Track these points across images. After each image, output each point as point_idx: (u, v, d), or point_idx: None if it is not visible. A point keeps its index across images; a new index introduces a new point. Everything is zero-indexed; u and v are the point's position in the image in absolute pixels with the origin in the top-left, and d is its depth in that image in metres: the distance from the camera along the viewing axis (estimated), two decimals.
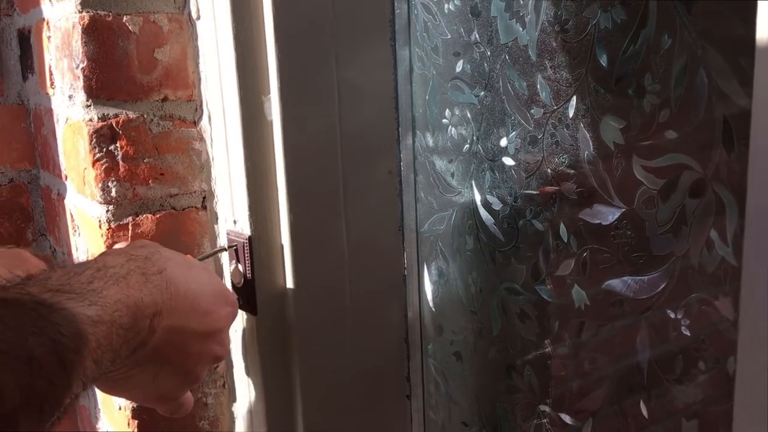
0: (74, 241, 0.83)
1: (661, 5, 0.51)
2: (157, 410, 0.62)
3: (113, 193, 0.71)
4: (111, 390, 0.60)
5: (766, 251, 0.44)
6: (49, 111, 0.83)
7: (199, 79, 0.74)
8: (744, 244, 0.45)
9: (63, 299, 0.43)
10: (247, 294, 0.73)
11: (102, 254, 0.56)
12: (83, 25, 0.67)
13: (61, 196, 0.85)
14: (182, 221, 0.75)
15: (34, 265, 0.57)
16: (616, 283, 0.58)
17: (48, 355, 0.39)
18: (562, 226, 0.62)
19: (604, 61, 0.55)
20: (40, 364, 0.39)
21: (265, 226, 0.72)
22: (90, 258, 0.56)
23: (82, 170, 0.72)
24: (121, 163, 0.71)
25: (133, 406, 0.74)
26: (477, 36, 0.67)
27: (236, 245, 0.73)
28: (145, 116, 0.72)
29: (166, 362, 0.56)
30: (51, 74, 0.79)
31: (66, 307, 0.43)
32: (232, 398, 0.80)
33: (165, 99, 0.73)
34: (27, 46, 0.89)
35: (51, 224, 0.95)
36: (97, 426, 0.89)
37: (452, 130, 0.72)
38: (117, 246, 0.61)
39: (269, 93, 0.69)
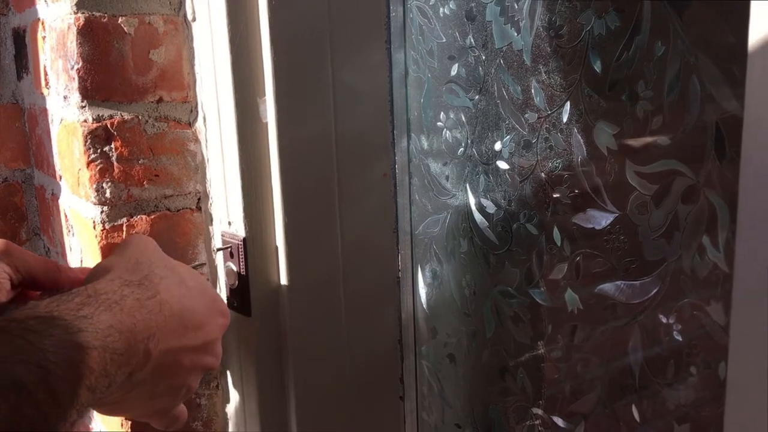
0: (68, 241, 0.83)
1: (655, 13, 0.51)
2: (152, 425, 0.62)
3: (108, 194, 0.71)
4: (108, 412, 0.59)
5: (757, 257, 0.44)
6: (44, 111, 0.83)
7: (195, 81, 0.74)
8: (736, 249, 0.45)
9: (51, 326, 0.43)
10: (241, 295, 0.73)
11: (93, 273, 0.56)
12: (78, 26, 0.67)
13: (56, 196, 0.85)
14: (177, 222, 0.75)
15: (17, 256, 0.57)
16: (608, 288, 0.58)
17: (37, 383, 0.39)
18: (555, 230, 0.62)
19: (597, 66, 0.55)
20: (29, 391, 0.38)
21: (260, 228, 0.72)
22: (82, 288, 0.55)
23: (77, 171, 0.72)
24: (115, 164, 0.71)
25: None
26: (472, 40, 0.67)
27: (231, 246, 0.73)
28: (140, 117, 0.72)
29: (162, 381, 0.56)
30: (46, 74, 0.78)
31: (54, 334, 0.42)
32: (226, 399, 0.80)
33: (160, 100, 0.73)
34: (22, 46, 0.89)
35: (45, 224, 0.95)
36: (90, 427, 0.89)
37: (447, 134, 0.72)
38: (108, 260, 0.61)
39: (264, 95, 0.69)
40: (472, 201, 0.71)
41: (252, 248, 0.72)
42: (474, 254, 0.72)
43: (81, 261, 0.79)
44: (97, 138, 0.70)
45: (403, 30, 0.75)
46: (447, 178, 0.74)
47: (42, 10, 0.77)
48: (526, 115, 0.63)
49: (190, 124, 0.75)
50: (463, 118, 0.70)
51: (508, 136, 0.65)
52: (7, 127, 0.93)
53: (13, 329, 0.41)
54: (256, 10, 0.67)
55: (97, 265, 0.58)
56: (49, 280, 0.59)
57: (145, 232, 0.73)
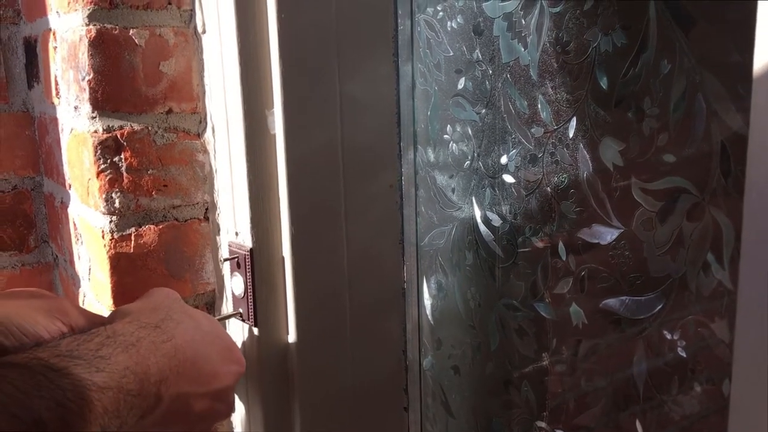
0: (77, 249, 0.84)
1: (661, 31, 0.51)
2: None
3: (117, 204, 0.71)
4: None
5: (761, 275, 0.44)
6: (54, 120, 0.83)
7: (204, 92, 0.75)
8: (740, 267, 0.45)
9: (71, 365, 0.45)
10: (247, 305, 0.73)
11: (112, 316, 0.57)
12: (90, 37, 0.68)
13: (65, 205, 0.86)
14: (184, 232, 0.76)
15: (74, 317, 0.58)
16: (613, 303, 0.58)
17: (54, 419, 0.41)
18: (560, 244, 0.62)
19: (604, 83, 0.56)
20: (46, 426, 0.40)
21: (267, 238, 0.72)
22: (100, 328, 0.56)
23: (87, 180, 0.73)
24: (125, 174, 0.71)
25: None
26: (479, 54, 0.68)
27: (237, 257, 0.73)
28: (149, 128, 0.72)
29: (172, 426, 0.56)
30: (56, 84, 0.79)
31: (73, 373, 0.44)
32: None
33: (170, 111, 0.73)
34: (33, 55, 0.90)
35: (53, 231, 0.95)
36: None
37: (453, 146, 0.73)
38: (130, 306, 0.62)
39: (273, 107, 0.70)
40: (477, 214, 0.71)
41: (259, 259, 0.72)
42: (479, 267, 0.72)
43: (89, 270, 0.79)
44: (107, 148, 0.70)
45: (411, 43, 0.76)
46: (453, 190, 0.74)
47: (53, 20, 0.78)
48: (533, 130, 0.63)
49: (199, 135, 0.76)
50: (470, 132, 0.70)
51: (514, 150, 0.66)
52: (17, 135, 0.94)
53: (35, 366, 0.43)
54: (265, 22, 0.68)
55: (118, 308, 0.60)
56: None
57: (153, 242, 0.73)
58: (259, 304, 0.73)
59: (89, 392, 0.44)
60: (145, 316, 0.57)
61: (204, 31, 0.73)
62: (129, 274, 0.73)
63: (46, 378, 0.42)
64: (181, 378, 0.55)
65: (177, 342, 0.56)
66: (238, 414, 0.80)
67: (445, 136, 0.74)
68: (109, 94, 0.70)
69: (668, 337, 0.55)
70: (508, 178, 0.67)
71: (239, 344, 0.76)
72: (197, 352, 0.58)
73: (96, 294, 0.78)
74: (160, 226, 0.74)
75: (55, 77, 0.79)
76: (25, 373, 0.42)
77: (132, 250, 0.73)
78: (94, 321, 0.59)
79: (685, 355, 0.54)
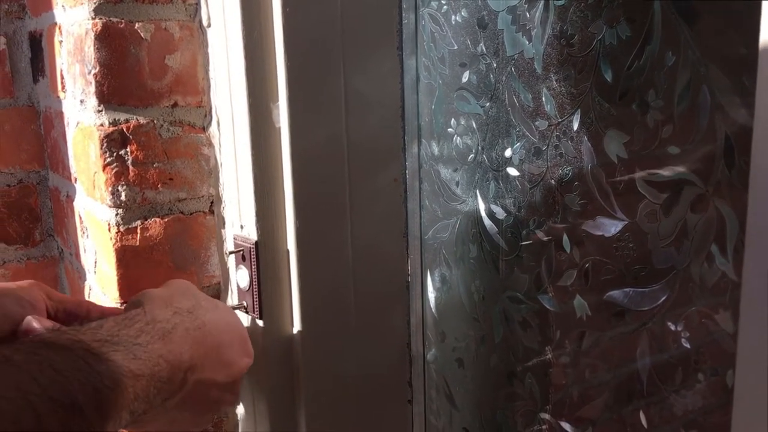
0: (82, 242, 0.84)
1: (665, 23, 0.51)
2: None
3: (123, 197, 0.72)
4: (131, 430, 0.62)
5: (765, 265, 0.45)
6: (60, 114, 0.84)
7: (209, 86, 0.75)
8: (744, 258, 0.46)
9: (110, 351, 0.47)
10: (252, 298, 0.74)
11: (140, 300, 0.58)
12: (96, 31, 0.68)
13: (70, 198, 0.86)
14: (190, 225, 0.76)
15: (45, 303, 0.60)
16: (617, 295, 0.59)
17: (89, 403, 0.43)
18: (565, 236, 0.63)
19: (608, 75, 0.56)
20: (82, 410, 0.42)
21: (272, 232, 0.73)
22: (135, 307, 0.57)
23: (93, 174, 0.73)
24: (131, 167, 0.72)
25: None
26: (483, 48, 0.68)
27: (243, 250, 0.74)
28: (155, 121, 0.73)
29: (187, 408, 0.58)
30: (62, 78, 0.80)
31: (112, 359, 0.46)
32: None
33: (175, 105, 0.74)
34: (38, 49, 0.90)
35: (59, 225, 0.96)
36: None
37: (457, 140, 0.73)
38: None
39: (278, 100, 0.70)
40: (482, 207, 0.71)
41: (264, 251, 0.73)
42: (483, 260, 0.73)
43: (95, 263, 0.80)
44: (113, 142, 0.71)
45: (415, 37, 0.76)
46: (457, 183, 0.74)
47: (59, 14, 0.78)
48: (537, 123, 0.63)
49: (204, 129, 0.76)
50: (474, 125, 0.71)
51: (518, 143, 0.66)
52: (22, 130, 0.95)
53: (76, 349, 0.45)
54: (270, 16, 0.68)
55: (145, 292, 0.61)
56: (82, 311, 0.63)
57: (158, 235, 0.74)
58: (264, 297, 0.73)
59: (124, 379, 0.46)
60: (177, 301, 0.59)
61: (209, 25, 0.73)
62: (135, 266, 0.73)
63: (85, 362, 0.44)
64: (205, 365, 0.57)
65: (207, 329, 0.58)
66: (243, 406, 0.80)
67: (450, 129, 0.74)
68: (115, 87, 0.70)
69: (672, 328, 0.55)
70: (513, 171, 0.67)
71: None
72: (222, 340, 0.59)
73: (102, 287, 0.79)
74: (166, 219, 0.74)
75: (61, 71, 0.80)
76: (66, 356, 0.44)
77: (138, 243, 0.73)
78: (71, 299, 0.63)
79: (689, 347, 0.54)
